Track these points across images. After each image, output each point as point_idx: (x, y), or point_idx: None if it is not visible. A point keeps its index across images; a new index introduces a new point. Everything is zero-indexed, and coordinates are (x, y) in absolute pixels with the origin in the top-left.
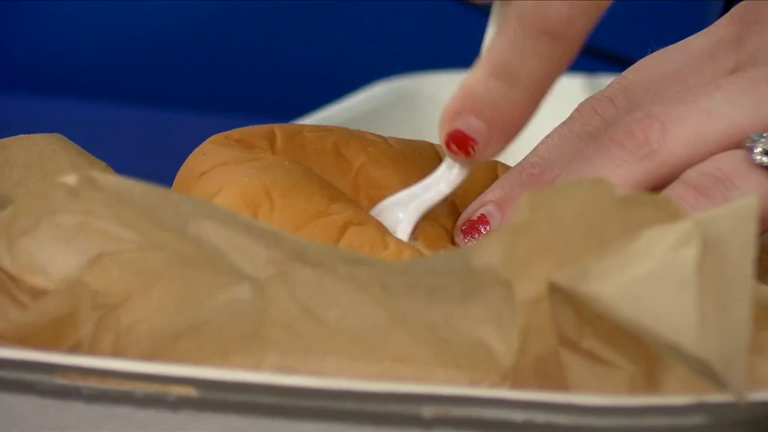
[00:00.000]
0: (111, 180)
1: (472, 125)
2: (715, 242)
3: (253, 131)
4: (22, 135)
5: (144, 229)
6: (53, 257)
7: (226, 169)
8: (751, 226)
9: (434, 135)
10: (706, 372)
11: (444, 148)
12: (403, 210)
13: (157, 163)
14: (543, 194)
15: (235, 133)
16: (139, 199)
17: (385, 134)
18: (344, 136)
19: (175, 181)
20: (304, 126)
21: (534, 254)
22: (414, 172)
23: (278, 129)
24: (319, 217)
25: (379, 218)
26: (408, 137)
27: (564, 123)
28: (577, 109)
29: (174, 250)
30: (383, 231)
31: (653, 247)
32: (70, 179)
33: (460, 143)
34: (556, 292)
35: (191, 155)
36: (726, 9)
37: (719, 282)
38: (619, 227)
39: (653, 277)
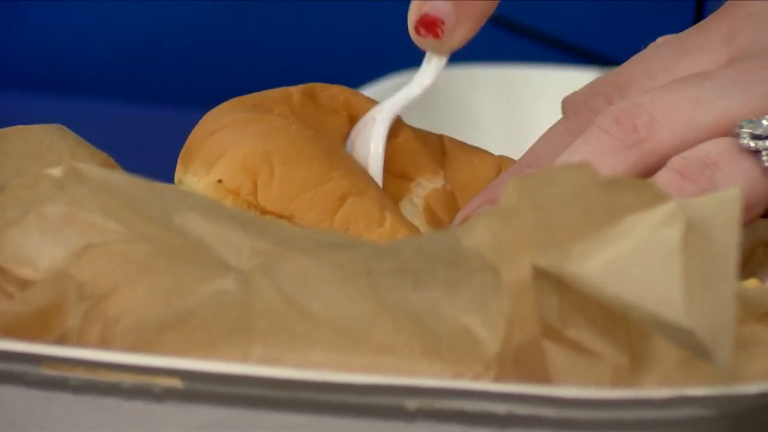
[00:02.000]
0: (96, 171)
1: (438, 6)
2: (699, 224)
3: (271, 95)
4: (20, 126)
5: (130, 220)
6: (40, 248)
7: (233, 131)
8: (734, 209)
9: (448, 128)
10: (691, 344)
11: (415, 39)
12: (378, 111)
13: (157, 161)
14: (529, 180)
15: (253, 97)
16: (124, 191)
17: None
18: (355, 99)
19: (188, 139)
20: (316, 85)
21: (519, 242)
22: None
23: (295, 90)
24: (317, 186)
25: (360, 131)
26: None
27: (560, 121)
28: (570, 106)
29: (160, 241)
30: (382, 204)
31: (637, 227)
32: (56, 171)
33: (428, 25)
34: (541, 278)
35: (207, 114)
36: (697, 13)
37: (704, 260)
38: (604, 213)
39: (637, 253)
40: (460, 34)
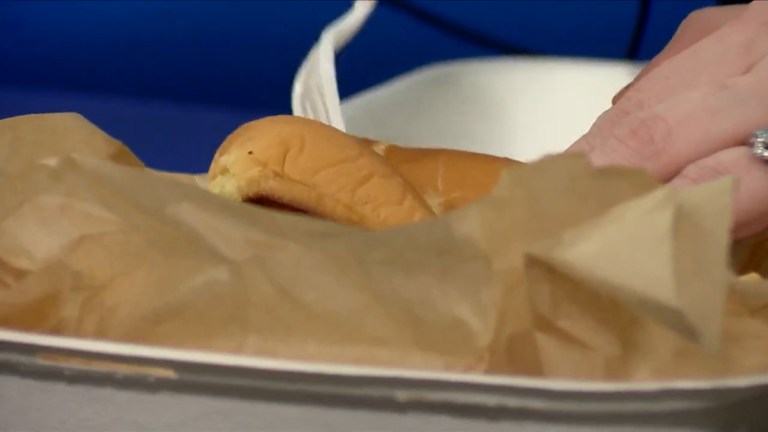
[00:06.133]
0: (91, 162)
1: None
2: (691, 212)
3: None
4: (33, 114)
5: (125, 211)
6: (36, 239)
7: (272, 122)
8: (727, 199)
9: (475, 121)
10: (680, 325)
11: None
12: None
13: (159, 158)
14: (522, 170)
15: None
16: (118, 182)
17: (426, 120)
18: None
19: (224, 141)
20: None
21: (511, 232)
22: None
23: None
24: (344, 162)
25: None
26: (449, 123)
27: (583, 137)
28: (595, 124)
29: (155, 232)
30: (405, 188)
31: (628, 212)
32: (51, 161)
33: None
34: (532, 266)
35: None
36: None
37: (695, 247)
38: (596, 201)
39: (628, 237)
40: None
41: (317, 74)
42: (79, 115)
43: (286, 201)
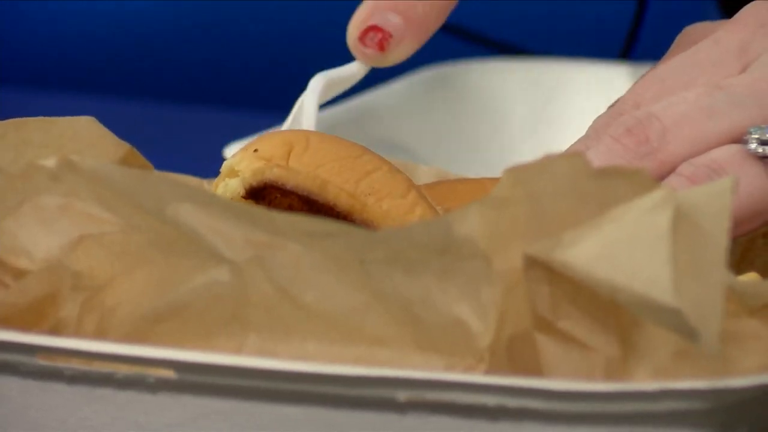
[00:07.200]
0: (90, 163)
1: (389, 20)
2: (689, 212)
3: None
4: (40, 117)
5: (125, 211)
6: (36, 239)
7: (279, 129)
8: (726, 200)
9: (474, 122)
10: (678, 325)
11: (355, 47)
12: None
13: (160, 159)
14: (522, 170)
15: None
16: (118, 182)
17: (426, 120)
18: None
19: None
20: None
21: (512, 232)
22: None
23: None
24: (348, 158)
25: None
26: (448, 124)
27: (580, 139)
28: (592, 126)
29: (155, 232)
30: (409, 184)
31: (627, 212)
32: (50, 162)
33: (372, 38)
34: (533, 268)
35: None
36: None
37: (694, 247)
38: (596, 202)
39: (627, 237)
40: (404, 50)
41: (299, 123)
42: (93, 118)
43: (290, 187)
